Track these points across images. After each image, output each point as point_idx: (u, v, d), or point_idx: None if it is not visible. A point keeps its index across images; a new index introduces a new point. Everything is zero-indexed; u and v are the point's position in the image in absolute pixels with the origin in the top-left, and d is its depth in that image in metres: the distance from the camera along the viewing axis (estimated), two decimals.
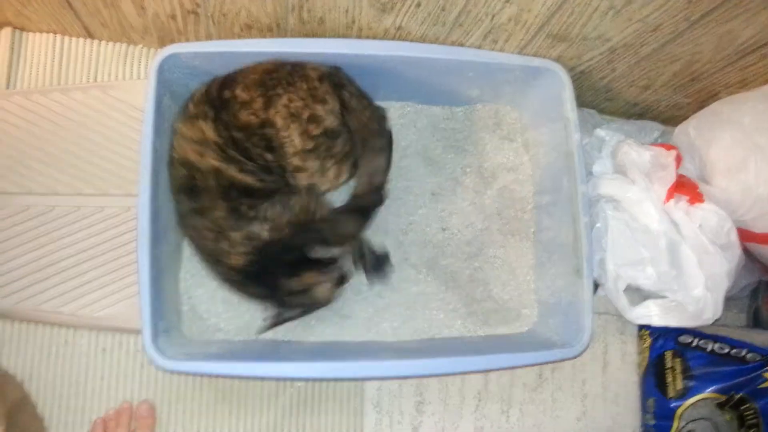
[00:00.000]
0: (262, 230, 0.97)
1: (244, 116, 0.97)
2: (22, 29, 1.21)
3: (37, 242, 1.12)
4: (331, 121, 1.00)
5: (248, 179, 0.98)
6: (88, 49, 1.23)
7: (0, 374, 1.03)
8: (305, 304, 1.05)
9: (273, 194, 0.99)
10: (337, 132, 1.01)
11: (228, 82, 1.00)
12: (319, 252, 1.01)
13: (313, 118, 0.98)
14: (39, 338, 1.13)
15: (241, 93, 0.98)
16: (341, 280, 1.06)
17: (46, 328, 1.13)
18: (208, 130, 0.97)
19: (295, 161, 1.00)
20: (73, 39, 1.23)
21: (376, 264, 1.12)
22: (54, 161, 1.15)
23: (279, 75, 1.00)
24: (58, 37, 1.22)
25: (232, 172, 0.97)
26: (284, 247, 0.99)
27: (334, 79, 1.03)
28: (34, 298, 1.10)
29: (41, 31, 1.22)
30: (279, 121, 0.97)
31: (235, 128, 0.97)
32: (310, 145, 0.99)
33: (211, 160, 0.97)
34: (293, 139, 0.98)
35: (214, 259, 1.02)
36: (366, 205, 1.05)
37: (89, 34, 1.22)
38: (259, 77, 0.99)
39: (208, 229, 0.98)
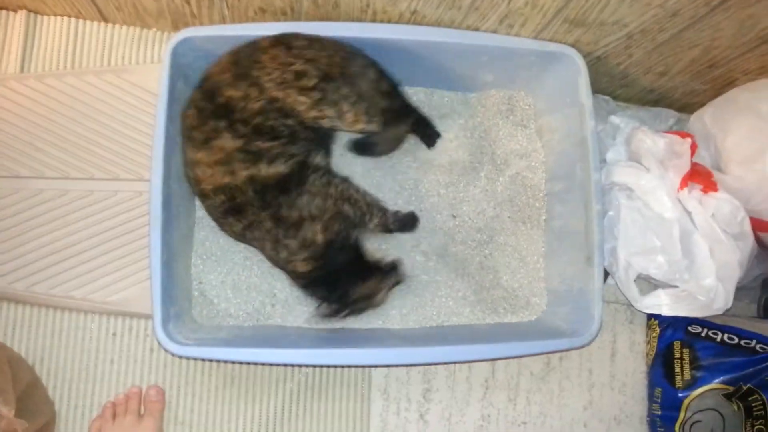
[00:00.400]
0: (315, 234, 1.01)
1: (254, 105, 0.98)
2: (36, 12, 1.21)
3: (50, 226, 1.13)
4: (314, 70, 1.00)
5: (279, 168, 0.99)
6: (102, 32, 1.23)
7: (12, 357, 1.03)
8: (364, 308, 1.09)
9: (304, 177, 1.02)
10: (330, 75, 1.01)
11: (209, 90, 1.00)
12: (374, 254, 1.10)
13: (299, 75, 0.99)
14: (50, 322, 1.14)
15: (233, 92, 0.98)
16: (395, 285, 1.11)
17: (57, 312, 1.14)
18: (228, 140, 0.98)
19: (313, 113, 1.01)
20: (87, 22, 1.22)
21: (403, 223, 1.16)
22: (67, 145, 1.15)
23: (244, 62, 1.00)
24: (73, 20, 1.22)
25: (263, 170, 0.99)
26: (343, 248, 1.04)
27: (283, 40, 1.01)
28: (46, 282, 1.11)
29: (56, 15, 1.21)
30: (279, 94, 0.98)
31: (253, 118, 0.98)
32: (316, 96, 1.00)
33: (243, 171, 0.98)
34: (298, 99, 0.99)
35: (281, 267, 1.07)
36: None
37: (103, 18, 1.21)
38: (231, 73, 1.00)
39: (265, 241, 1.02)
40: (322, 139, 1.08)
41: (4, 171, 1.13)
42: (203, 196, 1.03)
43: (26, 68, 1.19)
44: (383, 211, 1.11)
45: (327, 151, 1.10)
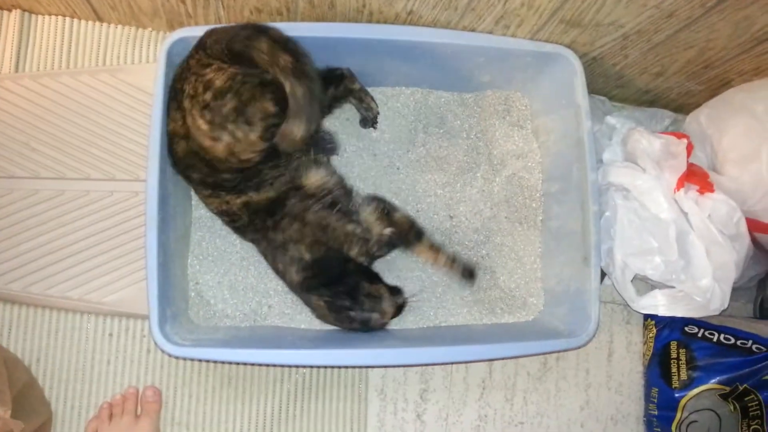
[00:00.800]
0: (302, 253, 1.03)
1: (178, 148, 0.98)
2: (31, 12, 1.20)
3: (46, 227, 1.12)
4: (220, 81, 0.93)
5: (268, 193, 1.01)
6: (97, 32, 1.22)
7: (7, 358, 1.03)
8: (371, 309, 1.07)
9: (285, 200, 1.02)
10: (225, 89, 0.93)
11: (167, 113, 1.00)
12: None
13: (207, 86, 0.93)
14: (46, 323, 1.14)
15: (171, 124, 0.98)
16: (399, 309, 1.09)
17: (53, 312, 1.14)
18: (199, 185, 1.01)
19: (219, 148, 0.94)
20: (82, 22, 1.22)
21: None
22: (62, 145, 1.15)
23: (183, 74, 0.98)
24: (67, 19, 1.21)
25: (254, 197, 1.01)
26: (335, 260, 1.04)
27: (201, 43, 0.98)
28: (42, 283, 1.11)
29: (50, 14, 1.21)
30: (189, 120, 0.95)
31: (188, 171, 1.00)
32: (208, 116, 0.93)
33: (236, 200, 1.01)
34: (199, 126, 0.94)
35: (281, 278, 1.08)
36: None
37: (98, 17, 1.21)
38: (174, 84, 0.99)
39: (266, 255, 1.07)
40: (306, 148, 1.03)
41: (0, 171, 1.13)
42: (213, 213, 1.08)
43: (21, 68, 1.19)
44: (364, 240, 1.06)
45: (319, 159, 1.06)
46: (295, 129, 0.93)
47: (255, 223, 1.03)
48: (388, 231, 1.08)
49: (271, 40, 0.93)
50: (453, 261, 1.14)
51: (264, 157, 0.98)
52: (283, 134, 0.94)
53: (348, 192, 1.09)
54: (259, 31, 0.93)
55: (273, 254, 1.05)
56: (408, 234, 1.12)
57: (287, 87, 0.92)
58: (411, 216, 1.14)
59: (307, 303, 1.09)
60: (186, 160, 0.97)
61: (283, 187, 1.01)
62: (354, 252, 1.06)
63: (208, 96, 0.93)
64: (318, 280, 1.03)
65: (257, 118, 0.94)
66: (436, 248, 1.14)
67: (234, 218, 1.03)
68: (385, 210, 1.09)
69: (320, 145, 1.12)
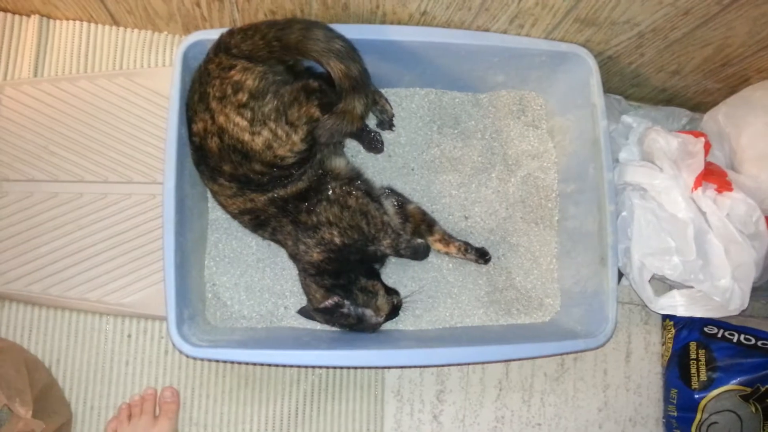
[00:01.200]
0: (332, 236, 1.03)
1: (212, 144, 0.98)
2: (49, 17, 1.22)
3: (64, 229, 1.14)
4: (252, 78, 0.96)
5: (297, 185, 1.02)
6: (114, 36, 1.24)
7: (28, 359, 1.05)
8: (364, 304, 1.07)
9: (324, 185, 1.03)
10: (263, 89, 0.96)
11: (189, 120, 1.01)
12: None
13: (236, 87, 0.96)
14: (66, 324, 1.15)
15: (198, 125, 0.99)
16: (395, 310, 1.10)
17: (72, 314, 1.15)
18: (228, 183, 1.01)
19: (258, 142, 0.96)
20: (99, 26, 1.23)
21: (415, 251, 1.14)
22: (81, 148, 1.16)
23: (202, 78, 0.99)
24: (85, 24, 1.23)
25: (281, 191, 1.01)
26: (357, 251, 1.06)
27: (222, 43, 0.99)
28: (61, 285, 1.12)
29: (68, 19, 1.23)
30: (221, 120, 0.96)
31: (220, 164, 0.99)
32: (249, 115, 0.96)
33: (261, 197, 1.02)
34: (237, 123, 0.96)
35: (298, 259, 1.08)
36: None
37: (115, 22, 1.22)
38: (196, 93, 0.99)
39: (287, 239, 1.06)
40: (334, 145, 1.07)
41: (19, 174, 1.14)
42: (233, 216, 1.08)
43: (40, 72, 1.21)
44: (397, 234, 1.09)
45: (338, 149, 1.10)
46: (357, 104, 0.98)
47: (286, 210, 1.03)
48: (415, 241, 1.12)
49: (325, 29, 0.96)
50: (465, 247, 1.16)
51: (298, 161, 1.00)
52: (344, 111, 0.98)
53: (370, 181, 1.11)
54: (313, 22, 0.97)
55: (297, 235, 1.04)
56: (420, 226, 1.14)
57: (342, 68, 0.95)
58: (422, 208, 1.16)
59: (307, 289, 1.09)
60: (220, 154, 0.98)
61: (314, 177, 1.03)
62: (386, 243, 1.07)
63: (242, 96, 0.95)
64: (333, 265, 1.04)
65: (302, 122, 0.98)
66: (447, 237, 1.15)
67: (258, 214, 1.04)
68: (400, 202, 1.13)
69: (369, 142, 1.17)
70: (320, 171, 1.04)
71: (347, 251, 1.04)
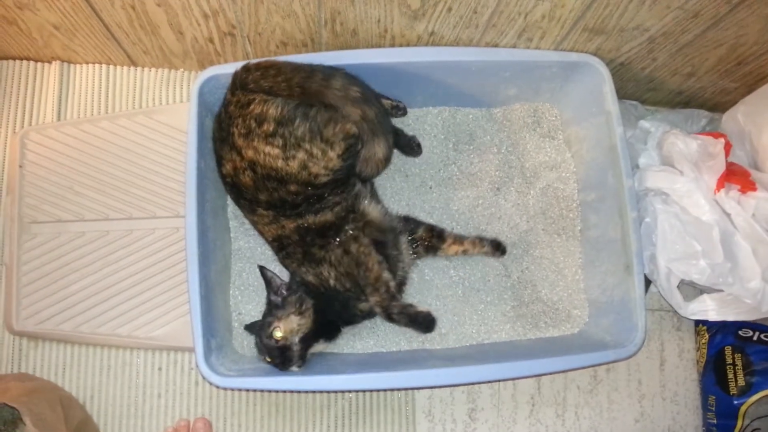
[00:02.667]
0: (328, 277, 1.05)
1: (245, 179, 1.01)
2: (69, 62, 1.26)
3: (92, 267, 1.16)
4: (273, 108, 0.98)
5: (326, 216, 1.03)
6: (132, 76, 1.27)
7: (63, 397, 1.06)
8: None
9: (343, 225, 1.04)
10: (288, 116, 0.98)
11: (219, 163, 1.05)
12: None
13: (260, 120, 0.98)
14: (98, 360, 1.17)
15: (227, 167, 1.02)
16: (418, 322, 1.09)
17: (104, 350, 1.17)
18: (263, 211, 1.04)
19: (293, 165, 0.99)
20: (118, 68, 1.27)
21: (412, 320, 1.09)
22: (105, 187, 1.19)
23: (223, 123, 1.02)
24: (104, 66, 1.27)
25: (310, 219, 1.03)
26: (343, 301, 1.06)
27: (238, 81, 1.01)
28: (92, 322, 1.14)
29: (87, 63, 1.26)
30: (250, 153, 0.99)
31: (257, 195, 1.02)
32: (279, 142, 0.98)
33: (291, 224, 1.03)
34: (268, 152, 0.98)
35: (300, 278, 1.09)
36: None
37: (132, 62, 1.26)
38: (218, 139, 1.03)
39: (292, 262, 1.07)
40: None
41: (46, 216, 1.17)
42: (267, 242, 1.10)
43: (63, 116, 1.24)
44: (391, 296, 1.05)
45: (375, 193, 1.13)
46: (377, 148, 1.03)
47: (304, 241, 1.04)
48: (413, 309, 1.06)
49: (344, 78, 1.00)
50: (479, 243, 1.16)
51: (331, 181, 1.02)
52: (366, 158, 1.04)
53: (395, 231, 1.10)
54: (333, 71, 1.00)
55: (303, 260, 1.05)
56: (431, 240, 1.14)
57: (359, 113, 0.99)
58: (428, 223, 1.16)
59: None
60: (255, 186, 1.01)
61: (342, 213, 1.04)
62: (374, 299, 1.05)
63: (267, 127, 0.98)
64: (322, 301, 1.06)
65: (338, 137, 1.00)
66: (459, 237, 1.16)
67: (283, 241, 1.05)
68: (412, 231, 1.13)
69: (406, 146, 1.18)
70: (351, 210, 1.05)
71: (336, 295, 1.05)
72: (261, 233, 1.09)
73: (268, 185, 1.00)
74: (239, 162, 1.00)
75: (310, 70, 0.99)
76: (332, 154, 1.00)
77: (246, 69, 1.01)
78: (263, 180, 0.99)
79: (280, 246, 1.07)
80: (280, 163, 0.98)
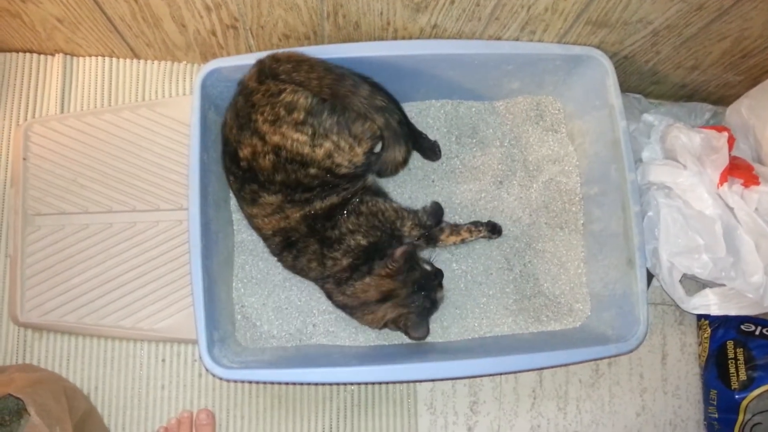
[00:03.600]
0: (358, 241, 1.05)
1: (265, 162, 1.00)
2: (72, 55, 1.26)
3: (96, 259, 1.17)
4: (303, 99, 0.99)
5: (332, 200, 1.05)
6: (135, 69, 1.27)
7: (67, 388, 1.07)
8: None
9: (347, 203, 1.06)
10: (318, 108, 1.00)
11: (231, 153, 1.03)
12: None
13: (290, 108, 0.99)
14: (102, 352, 1.18)
15: (245, 151, 1.01)
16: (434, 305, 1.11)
17: (108, 341, 1.18)
18: (270, 197, 1.03)
19: (318, 153, 1.00)
20: (121, 60, 1.27)
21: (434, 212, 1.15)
22: (108, 180, 1.20)
23: (242, 111, 1.01)
24: (107, 59, 1.27)
25: (318, 204, 1.04)
26: (384, 246, 1.07)
27: (266, 70, 1.01)
28: (96, 314, 1.15)
29: (90, 55, 1.27)
30: (277, 139, 0.99)
31: (273, 176, 1.01)
32: (309, 130, 1.00)
33: (296, 214, 1.03)
34: (296, 138, 0.99)
35: (325, 279, 1.09)
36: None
37: (135, 55, 1.26)
38: (235, 127, 1.02)
39: (311, 261, 1.06)
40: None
41: (50, 208, 1.18)
42: (265, 239, 1.10)
43: (66, 108, 1.25)
44: (412, 212, 1.11)
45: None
46: (398, 153, 1.10)
47: (314, 229, 1.04)
48: (429, 207, 1.14)
49: (371, 86, 1.04)
50: (476, 228, 1.16)
51: (351, 174, 1.04)
52: (386, 161, 1.10)
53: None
54: (361, 79, 1.03)
55: (323, 252, 1.05)
56: (429, 232, 1.15)
57: (382, 121, 1.04)
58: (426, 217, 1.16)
59: (351, 293, 1.08)
60: (274, 168, 1.01)
61: (348, 195, 1.06)
62: (407, 226, 1.09)
63: (297, 115, 0.99)
64: (363, 258, 1.06)
65: (366, 135, 1.04)
66: (455, 226, 1.16)
67: (289, 234, 1.05)
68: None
69: (428, 150, 1.20)
70: (355, 195, 1.07)
71: (375, 247, 1.06)
72: (259, 228, 1.08)
73: (288, 167, 1.00)
74: (261, 146, 1.00)
75: (341, 74, 1.02)
76: (359, 150, 1.03)
77: (275, 59, 1.01)
78: (285, 163, 1.00)
79: (285, 243, 1.06)
80: (306, 149, 1.00)
